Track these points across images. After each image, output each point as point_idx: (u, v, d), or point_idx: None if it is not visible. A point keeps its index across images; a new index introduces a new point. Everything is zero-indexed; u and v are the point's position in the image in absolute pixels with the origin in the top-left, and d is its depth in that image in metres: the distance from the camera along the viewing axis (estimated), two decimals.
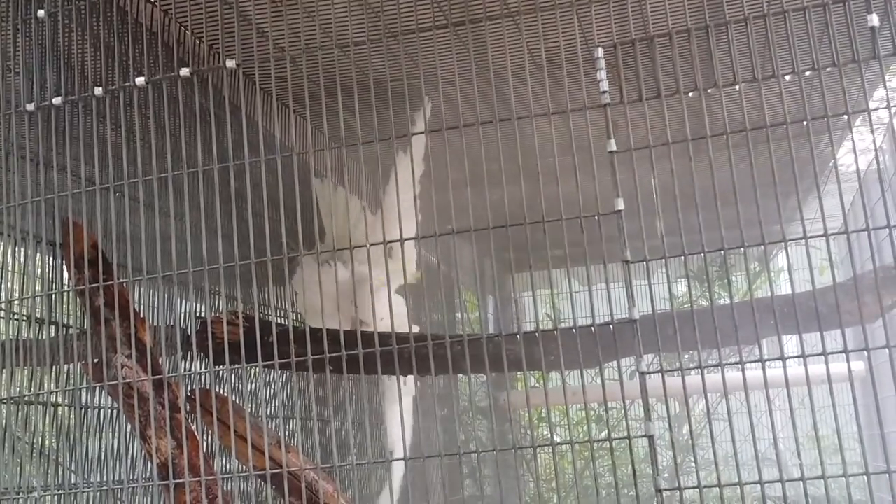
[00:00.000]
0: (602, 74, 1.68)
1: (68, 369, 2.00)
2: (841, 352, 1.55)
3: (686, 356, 1.65)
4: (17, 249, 2.13)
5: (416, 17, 1.84)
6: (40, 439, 2.05)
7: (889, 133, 3.23)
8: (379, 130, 1.80)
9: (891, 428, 3.89)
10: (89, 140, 1.90)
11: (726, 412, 1.62)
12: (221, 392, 2.54)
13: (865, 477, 1.53)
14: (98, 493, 2.09)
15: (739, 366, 1.58)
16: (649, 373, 1.60)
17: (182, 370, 2.37)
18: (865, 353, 1.58)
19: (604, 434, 5.42)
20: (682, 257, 1.63)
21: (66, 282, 2.13)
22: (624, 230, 1.62)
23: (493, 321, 6.09)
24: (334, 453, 3.03)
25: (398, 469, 3.01)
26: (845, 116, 1.58)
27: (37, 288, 2.10)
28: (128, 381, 1.91)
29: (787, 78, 1.63)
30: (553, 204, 1.64)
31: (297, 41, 2.35)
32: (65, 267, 2.08)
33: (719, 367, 1.60)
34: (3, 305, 2.11)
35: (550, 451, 5.68)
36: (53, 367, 1.99)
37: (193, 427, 2.00)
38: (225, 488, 1.96)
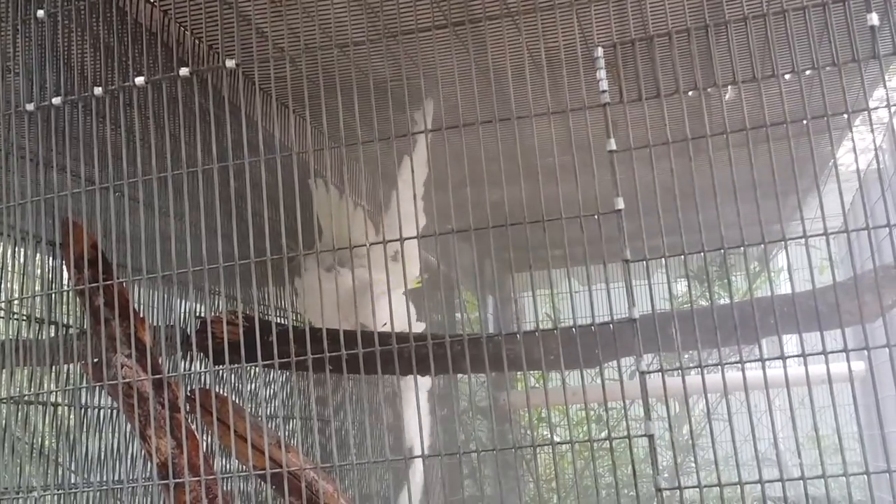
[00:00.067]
0: (601, 74, 1.68)
1: (68, 369, 2.00)
2: (841, 350, 1.55)
3: (686, 356, 1.65)
4: (16, 249, 2.13)
5: (416, 17, 1.84)
6: (40, 439, 2.05)
7: (889, 132, 3.23)
8: (378, 130, 1.80)
9: (891, 427, 3.88)
10: (89, 140, 1.90)
11: (726, 412, 1.62)
12: (221, 392, 2.54)
13: (866, 476, 1.53)
14: (98, 493, 2.09)
15: (739, 365, 1.58)
16: (649, 372, 1.59)
17: (182, 370, 2.37)
18: (865, 352, 1.58)
19: (604, 434, 5.43)
20: (682, 257, 1.63)
21: (65, 281, 2.13)
22: (624, 229, 1.62)
23: (493, 321, 6.09)
24: (334, 453, 3.03)
25: (417, 465, 3.01)
26: (845, 116, 1.57)
27: (37, 288, 2.10)
28: (127, 380, 1.91)
29: (787, 77, 1.63)
30: (553, 203, 1.64)
31: (297, 41, 2.35)
32: (64, 267, 2.08)
33: (719, 367, 1.59)
34: (2, 305, 2.11)
35: (550, 451, 5.68)
36: (53, 367, 1.99)
37: (193, 427, 2.00)
38: (225, 488, 1.96)
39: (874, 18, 1.59)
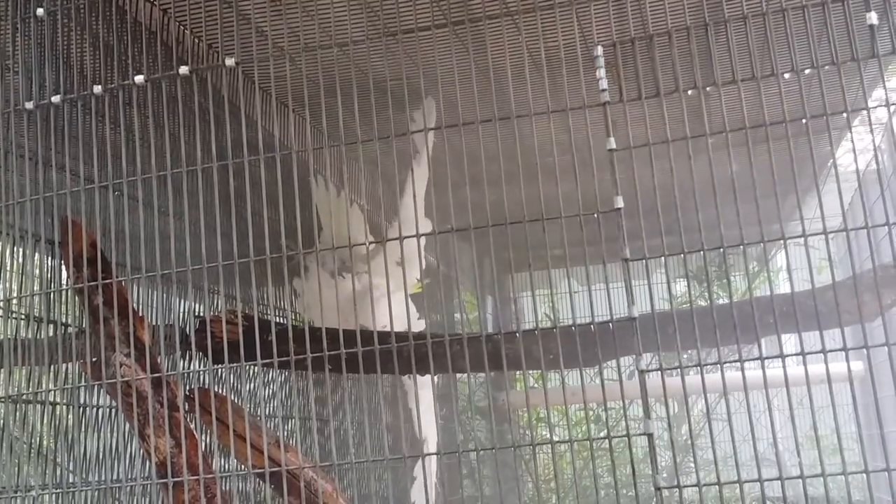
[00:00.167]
0: (601, 73, 1.68)
1: (67, 368, 2.00)
2: (840, 350, 1.55)
3: (685, 355, 1.65)
4: (15, 248, 2.13)
5: (416, 17, 1.84)
6: (38, 438, 2.05)
7: (888, 132, 3.23)
8: (378, 129, 1.80)
9: (890, 427, 3.89)
10: (88, 139, 1.90)
11: (725, 411, 1.62)
12: (220, 391, 2.54)
13: (865, 476, 1.53)
14: (96, 493, 2.09)
15: (738, 365, 1.58)
16: (648, 371, 1.59)
17: (181, 369, 2.37)
18: (865, 352, 1.58)
19: (603, 434, 5.42)
20: (682, 256, 1.63)
21: (64, 280, 2.13)
22: (623, 229, 1.62)
23: (493, 321, 6.09)
24: (333, 452, 3.03)
25: (430, 462, 3.02)
26: (844, 115, 1.57)
27: (35, 287, 2.09)
28: (126, 379, 1.91)
29: (787, 76, 1.63)
30: (552, 203, 1.64)
31: (296, 40, 2.35)
32: (63, 265, 2.08)
33: (718, 367, 1.59)
34: (1, 304, 2.11)
35: (549, 450, 5.68)
36: (52, 366, 1.99)
37: (192, 426, 2.00)
38: (223, 487, 1.96)
39: (873, 18, 1.59)
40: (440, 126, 2.48)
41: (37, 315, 2.07)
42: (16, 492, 2.00)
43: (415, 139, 2.86)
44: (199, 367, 2.51)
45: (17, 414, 2.05)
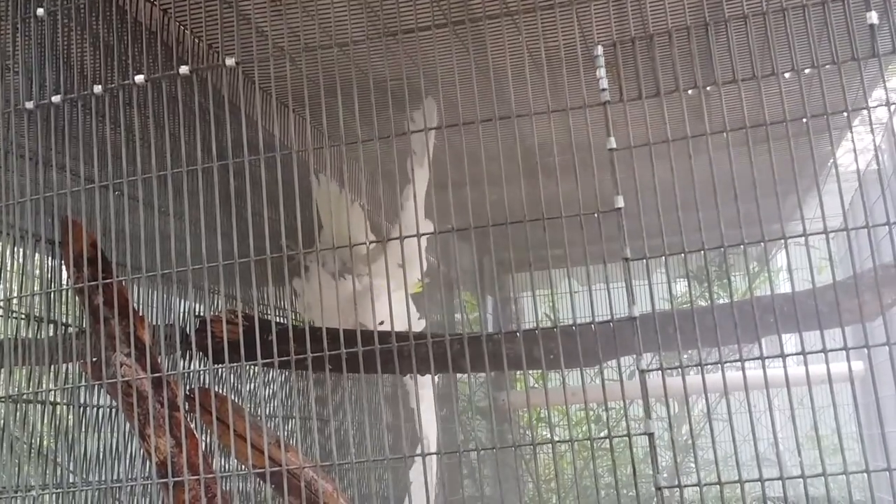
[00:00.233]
0: (601, 73, 1.68)
1: (67, 368, 2.00)
2: (841, 349, 1.55)
3: (686, 355, 1.65)
4: (16, 248, 2.13)
5: (416, 16, 1.84)
6: (39, 438, 2.05)
7: (888, 132, 3.23)
8: (378, 129, 1.80)
9: (890, 427, 3.88)
10: (88, 138, 1.90)
11: (726, 411, 1.62)
12: (221, 391, 2.54)
13: (865, 476, 1.53)
14: (97, 492, 2.09)
15: (739, 365, 1.58)
16: (649, 371, 1.59)
17: (181, 369, 2.37)
18: (865, 352, 1.58)
19: (603, 433, 5.42)
20: (682, 256, 1.63)
21: (65, 280, 2.13)
22: (624, 228, 1.62)
23: (493, 321, 6.09)
24: (333, 452, 3.03)
25: (431, 462, 3.02)
26: (844, 115, 1.57)
27: (36, 286, 2.09)
28: (127, 379, 1.91)
29: (787, 76, 1.63)
30: (553, 202, 1.64)
31: (296, 40, 2.35)
32: (64, 265, 2.08)
33: (719, 366, 1.59)
34: (2, 304, 2.11)
35: (550, 450, 5.67)
36: (52, 366, 1.99)
37: (192, 426, 2.00)
38: (224, 487, 1.96)
39: (873, 17, 1.59)
40: (440, 126, 2.48)
41: (37, 315, 2.07)
42: (16, 492, 2.00)
43: (414, 140, 2.86)
44: (200, 366, 2.51)
45: (18, 414, 2.05)
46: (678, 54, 1.67)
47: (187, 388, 2.14)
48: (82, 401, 2.20)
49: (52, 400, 2.04)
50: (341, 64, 1.83)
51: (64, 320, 2.09)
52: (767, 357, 1.57)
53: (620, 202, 1.62)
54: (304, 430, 3.00)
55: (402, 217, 2.91)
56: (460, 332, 4.56)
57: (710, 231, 1.57)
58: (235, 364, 2.29)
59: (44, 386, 2.00)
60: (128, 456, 2.18)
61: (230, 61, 1.86)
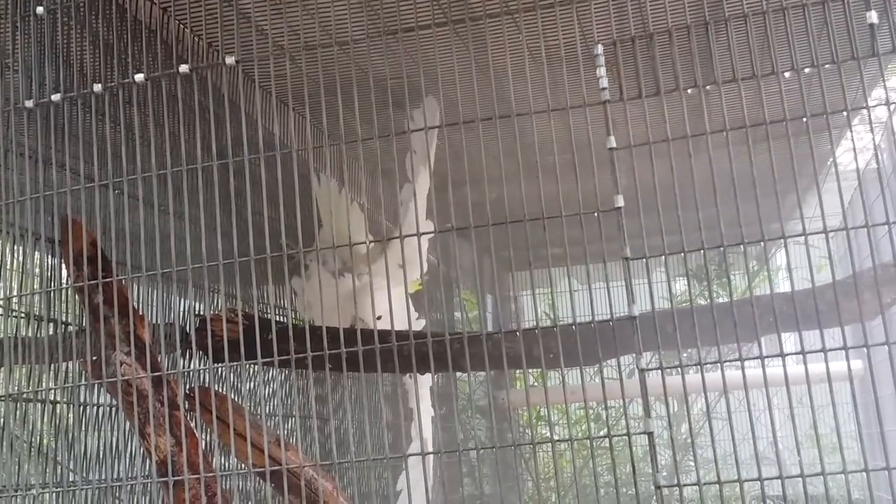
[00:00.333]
0: (601, 71, 1.68)
1: (67, 366, 2.00)
2: (840, 349, 1.55)
3: (685, 354, 1.65)
4: (15, 246, 2.13)
5: (416, 15, 1.84)
6: (39, 437, 2.05)
7: (888, 131, 3.23)
8: (378, 128, 1.80)
9: (890, 426, 3.89)
10: (88, 137, 1.90)
11: (725, 410, 1.62)
12: (221, 390, 2.54)
13: (865, 475, 1.53)
14: (97, 491, 2.09)
15: (739, 364, 1.58)
16: (649, 370, 1.59)
17: (181, 368, 2.37)
18: (864, 351, 1.58)
19: (603, 432, 5.43)
20: (682, 255, 1.63)
21: (64, 279, 2.13)
22: (623, 227, 1.62)
23: (493, 320, 6.09)
24: (333, 451, 3.03)
25: (428, 461, 3.02)
26: (844, 114, 1.58)
27: (35, 285, 2.09)
28: (127, 378, 1.91)
29: (787, 75, 1.63)
30: (552, 201, 1.64)
31: (296, 38, 2.35)
32: (63, 264, 2.08)
33: (718, 365, 1.59)
34: (1, 302, 2.11)
35: (549, 449, 5.68)
36: (52, 365, 1.99)
37: (192, 425, 2.00)
38: (224, 486, 1.96)
39: (873, 16, 1.59)
40: (440, 125, 2.48)
41: (37, 313, 2.07)
42: (16, 490, 2.00)
43: (414, 141, 2.86)
44: (200, 365, 2.51)
45: (18, 412, 2.05)
46: (678, 53, 1.67)
47: (187, 386, 2.14)
48: (82, 399, 2.20)
49: (52, 399, 2.04)
50: (341, 62, 1.83)
51: (64, 319, 2.09)
52: (767, 356, 1.57)
53: (620, 201, 1.62)
54: (303, 428, 3.00)
55: (402, 217, 2.91)
56: (460, 330, 4.56)
57: (710, 230, 1.57)
58: (235, 363, 2.29)
59: (44, 384, 2.00)
60: (128, 455, 2.19)
61: (230, 60, 1.86)
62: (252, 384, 2.69)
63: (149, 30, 2.27)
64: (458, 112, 1.76)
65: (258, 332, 1.77)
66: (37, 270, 2.17)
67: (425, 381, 3.08)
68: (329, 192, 3.18)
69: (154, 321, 2.38)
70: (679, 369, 1.60)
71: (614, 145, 1.64)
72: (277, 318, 3.06)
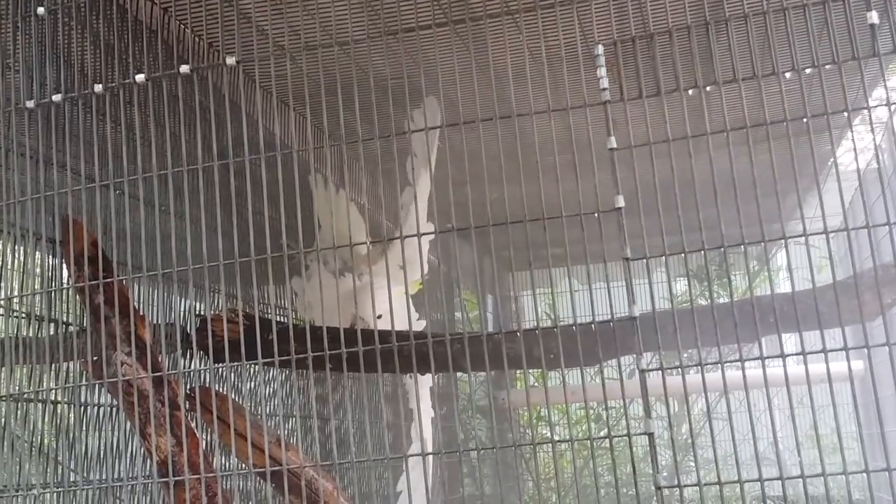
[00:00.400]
0: (602, 72, 1.68)
1: (68, 367, 2.00)
2: (841, 349, 1.55)
3: (686, 354, 1.65)
4: (16, 247, 2.13)
5: (416, 15, 1.84)
6: (39, 437, 2.05)
7: (888, 131, 3.23)
8: (379, 128, 1.80)
9: (890, 426, 3.89)
10: (89, 137, 1.90)
11: (726, 411, 1.62)
12: (221, 390, 2.54)
13: (865, 475, 1.53)
14: (97, 491, 2.09)
15: (739, 364, 1.58)
16: (649, 370, 1.59)
17: (182, 368, 2.37)
18: (865, 351, 1.58)
19: (603, 433, 5.43)
20: (683, 255, 1.63)
21: (65, 279, 2.13)
22: (624, 228, 1.62)
23: (493, 320, 6.09)
24: (334, 451, 3.03)
25: (429, 462, 3.02)
26: (845, 114, 1.57)
27: (36, 285, 2.09)
28: (127, 378, 1.91)
29: (787, 75, 1.63)
30: (553, 202, 1.64)
31: (297, 38, 2.35)
32: (64, 264, 2.08)
33: (719, 366, 1.59)
34: (2, 302, 2.11)
35: (550, 449, 5.68)
36: (53, 365, 1.99)
37: (193, 425, 2.00)
38: (224, 486, 1.96)
39: (874, 17, 1.59)
40: (441, 125, 2.48)
41: (38, 314, 2.07)
42: (17, 490, 2.00)
43: (414, 143, 2.86)
44: (200, 365, 2.52)
45: (19, 412, 2.05)
46: (679, 53, 1.67)
47: (188, 386, 2.14)
48: (83, 399, 2.21)
49: (53, 399, 2.04)
50: (342, 62, 1.83)
51: (65, 319, 2.09)
52: (767, 357, 1.57)
53: (621, 202, 1.62)
54: (304, 428, 3.00)
55: (403, 218, 2.91)
56: (461, 330, 4.56)
57: (711, 230, 1.57)
58: (236, 363, 2.29)
59: (45, 385, 2.01)
60: (128, 455, 2.19)
61: (231, 60, 1.86)
62: (253, 384, 2.69)
63: (149, 30, 2.27)
64: (458, 112, 1.76)
65: (259, 332, 1.77)
66: (38, 271, 2.17)
67: (426, 381, 3.08)
68: (326, 196, 3.18)
69: (155, 321, 2.38)
70: (679, 370, 1.60)
71: (615, 145, 1.64)
72: (278, 319, 3.06)
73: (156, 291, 2.44)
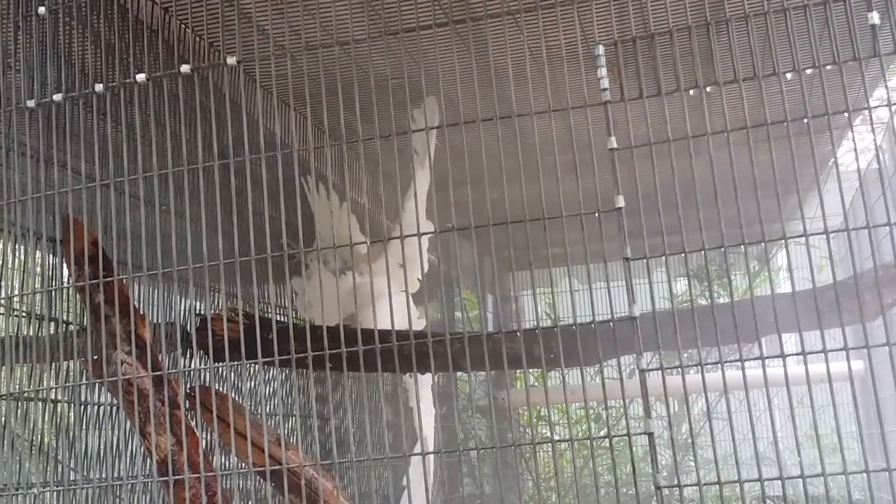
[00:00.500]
0: (602, 72, 1.68)
1: (68, 366, 2.00)
2: (841, 349, 1.55)
3: (686, 354, 1.65)
4: (17, 246, 2.13)
5: (417, 15, 1.84)
6: (40, 436, 2.06)
7: (889, 132, 3.23)
8: (379, 128, 1.80)
9: (890, 427, 3.89)
10: (90, 137, 1.90)
11: (726, 410, 1.62)
12: (221, 389, 2.54)
13: (865, 475, 1.53)
14: (97, 490, 2.09)
15: (739, 364, 1.58)
16: (649, 370, 1.60)
17: (182, 367, 2.37)
18: (865, 351, 1.58)
19: (603, 432, 5.43)
20: (683, 255, 1.63)
21: (66, 278, 2.13)
22: (624, 228, 1.62)
23: (493, 319, 6.09)
24: (334, 450, 3.03)
25: (429, 461, 3.02)
26: (845, 114, 1.58)
27: (37, 284, 2.10)
28: (127, 377, 1.91)
29: (788, 76, 1.63)
30: (553, 201, 1.64)
31: (298, 38, 2.35)
32: (65, 263, 2.08)
33: (719, 366, 1.60)
34: (3, 301, 2.11)
35: (550, 449, 5.68)
36: (53, 364, 1.99)
37: (193, 424, 2.00)
38: (224, 485, 1.96)
39: (875, 17, 1.59)
40: (441, 125, 2.48)
41: (38, 313, 2.07)
42: (17, 489, 2.00)
43: (415, 140, 2.86)
44: (200, 365, 2.52)
45: (19, 411, 2.05)
46: (679, 54, 1.67)
47: (188, 386, 2.15)
48: (83, 398, 2.21)
49: (53, 398, 2.04)
50: (342, 62, 1.83)
51: (65, 318, 2.09)
52: (767, 357, 1.57)
53: (621, 202, 1.62)
54: (304, 428, 3.01)
55: (403, 217, 2.91)
56: (461, 330, 4.56)
57: (711, 230, 1.57)
58: (236, 362, 2.29)
59: (45, 384, 2.01)
60: (128, 454, 2.19)
61: (231, 59, 1.86)
62: (252, 383, 2.69)
63: (150, 30, 2.28)
64: (458, 112, 1.76)
65: (259, 331, 1.77)
66: (38, 270, 2.17)
67: (426, 380, 3.08)
68: (320, 197, 3.17)
69: (155, 320, 2.39)
70: (679, 369, 1.60)
71: (615, 146, 1.64)
72: (278, 318, 3.06)
73: (156, 290, 2.44)
